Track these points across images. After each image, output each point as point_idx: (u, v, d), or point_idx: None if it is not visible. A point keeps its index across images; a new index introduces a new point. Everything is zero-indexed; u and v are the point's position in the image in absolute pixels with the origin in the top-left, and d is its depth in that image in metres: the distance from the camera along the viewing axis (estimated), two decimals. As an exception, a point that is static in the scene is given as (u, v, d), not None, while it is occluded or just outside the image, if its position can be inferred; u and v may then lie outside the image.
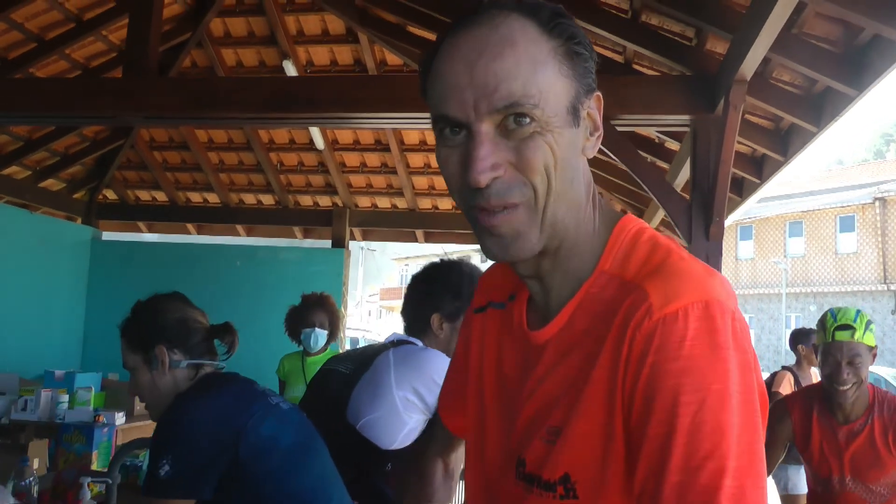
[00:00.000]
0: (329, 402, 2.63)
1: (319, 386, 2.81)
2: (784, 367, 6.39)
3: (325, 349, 5.45)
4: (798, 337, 6.40)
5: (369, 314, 56.51)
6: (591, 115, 1.10)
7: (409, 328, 2.81)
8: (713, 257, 4.48)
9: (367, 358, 2.69)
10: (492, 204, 1.01)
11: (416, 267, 55.73)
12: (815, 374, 6.09)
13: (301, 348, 5.49)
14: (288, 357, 5.57)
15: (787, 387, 5.96)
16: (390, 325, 46.56)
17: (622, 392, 0.98)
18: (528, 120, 1.00)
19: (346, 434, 2.51)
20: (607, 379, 1.00)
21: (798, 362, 6.35)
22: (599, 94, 1.11)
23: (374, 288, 58.07)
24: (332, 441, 2.47)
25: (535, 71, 1.00)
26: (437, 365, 2.58)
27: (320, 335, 5.36)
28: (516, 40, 1.01)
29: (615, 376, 0.99)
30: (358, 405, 2.56)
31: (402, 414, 2.57)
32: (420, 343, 2.73)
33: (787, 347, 6.85)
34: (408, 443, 2.56)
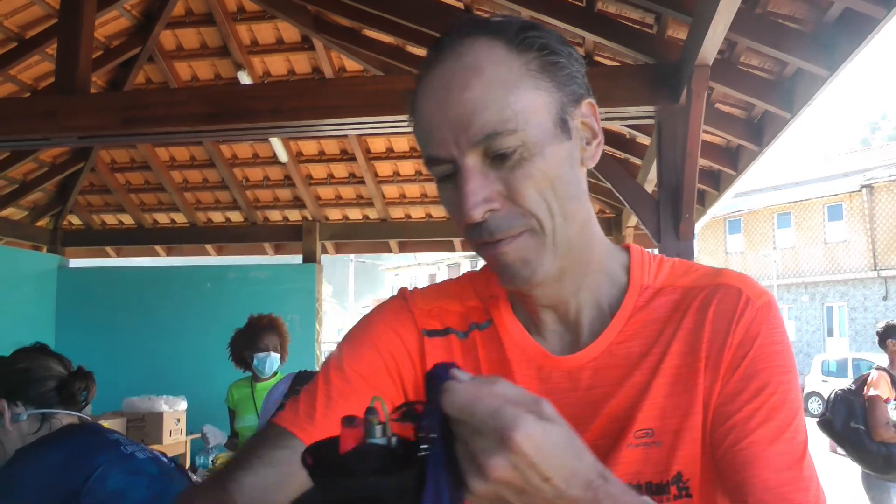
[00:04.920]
0: None
1: None
2: (877, 368, 5.73)
3: (275, 374, 5.17)
4: (890, 331, 5.72)
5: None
6: (585, 124, 1.07)
7: None
8: (685, 258, 4.21)
9: None
10: (494, 237, 1.01)
11: (406, 276, 56.10)
12: None
13: (247, 374, 5.21)
14: (236, 385, 5.28)
15: (885, 389, 5.42)
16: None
17: (721, 376, 1.05)
18: (510, 149, 0.97)
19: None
20: (709, 369, 1.06)
21: (891, 361, 5.67)
22: (591, 100, 1.08)
23: (368, 300, 58.07)
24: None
25: (507, 94, 0.97)
26: None
27: (274, 360, 5.08)
28: (482, 67, 0.98)
29: (718, 364, 1.05)
30: None
31: None
32: None
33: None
34: None
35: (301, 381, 2.79)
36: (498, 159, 0.98)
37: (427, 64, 1.04)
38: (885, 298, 27.65)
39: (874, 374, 5.57)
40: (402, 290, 1.26)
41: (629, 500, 0.79)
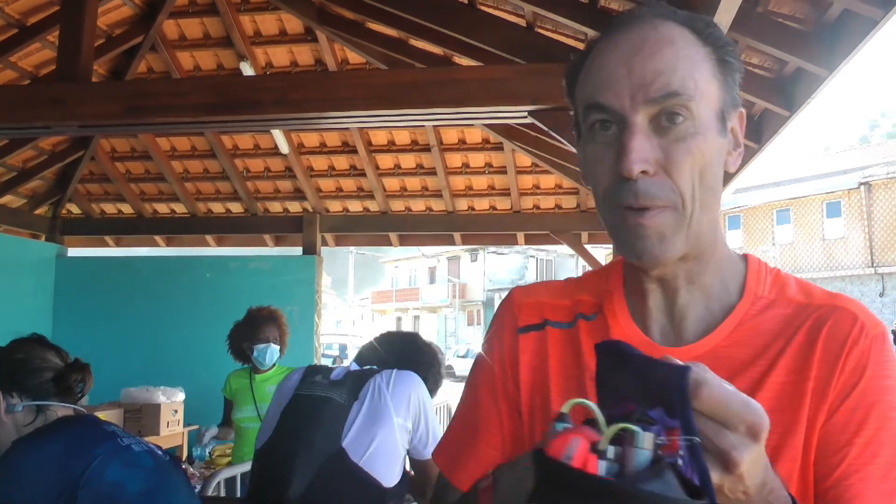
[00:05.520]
0: (329, 435, 2.54)
1: (311, 414, 2.64)
2: None
3: (274, 366, 5.18)
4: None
5: (361, 318, 56.41)
6: (734, 130, 1.10)
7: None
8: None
9: (356, 385, 2.65)
10: (640, 202, 1.01)
11: (406, 268, 55.86)
12: None
13: (245, 366, 5.21)
14: (235, 375, 5.27)
15: None
16: (383, 329, 46.37)
17: (830, 401, 1.04)
18: (681, 118, 1.00)
19: (348, 473, 2.45)
20: (817, 391, 1.04)
21: None
22: (743, 110, 1.12)
23: (368, 292, 58.07)
24: (332, 481, 2.43)
25: (693, 68, 1.02)
26: (424, 390, 2.69)
27: (274, 351, 5.08)
28: (675, 39, 1.03)
29: (826, 388, 1.04)
30: (358, 439, 2.51)
31: (399, 445, 2.58)
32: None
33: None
34: (398, 479, 2.53)
35: (312, 373, 2.79)
36: (665, 127, 1.01)
37: (614, 29, 1.08)
38: (881, 295, 27.70)
39: None
40: (513, 289, 1.31)
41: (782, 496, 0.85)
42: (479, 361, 1.30)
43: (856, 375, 1.03)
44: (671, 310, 1.14)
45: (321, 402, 2.60)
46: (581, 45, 5.11)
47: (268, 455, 2.64)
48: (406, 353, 2.95)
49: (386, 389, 2.58)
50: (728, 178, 5.81)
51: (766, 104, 4.44)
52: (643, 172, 0.99)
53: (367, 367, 2.78)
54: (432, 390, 2.83)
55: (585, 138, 1.08)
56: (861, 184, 28.35)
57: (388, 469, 2.49)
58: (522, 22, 5.12)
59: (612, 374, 0.76)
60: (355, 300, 57.82)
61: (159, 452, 2.27)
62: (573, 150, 4.55)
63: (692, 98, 1.00)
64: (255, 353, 5.02)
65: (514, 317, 1.26)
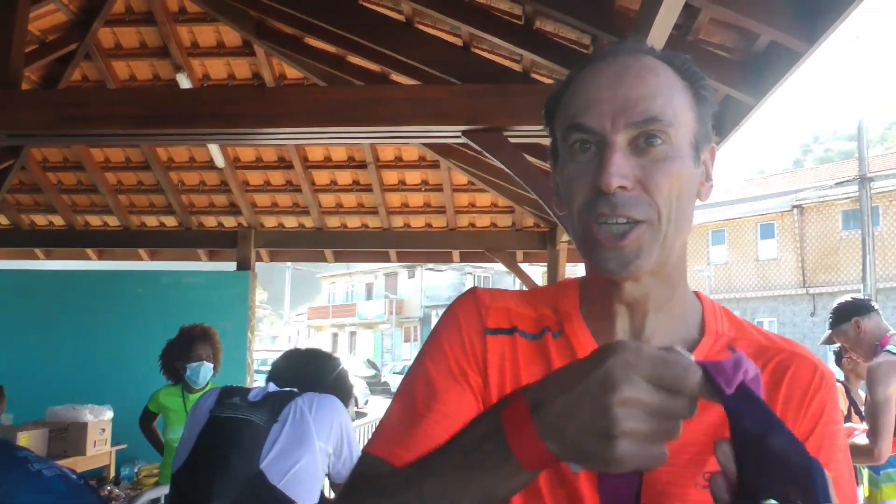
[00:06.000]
0: (247, 457, 2.49)
1: (229, 436, 2.60)
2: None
3: (208, 384, 5.10)
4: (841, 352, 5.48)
5: (298, 334, 55.94)
6: (706, 163, 1.14)
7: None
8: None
9: (275, 408, 2.62)
10: (617, 212, 1.02)
11: (343, 284, 55.46)
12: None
13: (176, 384, 5.13)
14: (165, 391, 5.18)
15: (840, 401, 5.30)
16: (319, 345, 46.02)
17: None
18: (659, 141, 1.03)
19: (267, 496, 2.41)
20: None
21: (846, 377, 5.51)
22: (714, 146, 1.17)
23: (304, 308, 57.60)
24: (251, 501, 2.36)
25: (672, 97, 1.06)
26: (346, 414, 2.66)
27: (208, 369, 5.01)
28: (656, 69, 1.08)
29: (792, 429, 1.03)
30: (278, 461, 2.47)
31: (319, 468, 2.55)
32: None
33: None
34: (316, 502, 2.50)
35: (228, 395, 2.76)
36: (643, 148, 1.03)
37: (597, 58, 1.12)
38: (812, 314, 28.23)
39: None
40: (476, 289, 1.26)
41: None
42: (433, 349, 1.21)
43: (814, 420, 1.09)
44: (639, 336, 1.14)
45: (239, 424, 2.57)
46: (517, 66, 5.16)
47: (186, 478, 2.60)
48: (310, 369, 2.94)
49: (308, 413, 2.56)
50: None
51: (696, 129, 4.51)
52: (621, 188, 1.01)
53: (287, 389, 2.76)
54: (345, 403, 2.81)
55: (564, 159, 1.09)
56: (794, 207, 28.95)
57: (307, 492, 2.47)
58: (459, 42, 5.14)
59: (748, 425, 0.77)
60: (292, 316, 57.35)
61: (73, 476, 2.22)
62: (507, 169, 4.57)
63: (671, 125, 1.04)
64: (187, 372, 4.95)
65: (482, 316, 1.20)
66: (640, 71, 1.07)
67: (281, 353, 3.17)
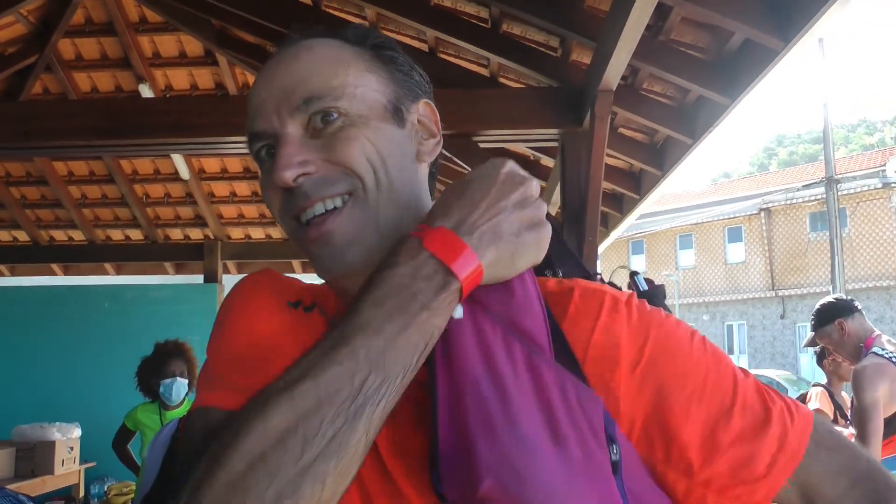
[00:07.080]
0: None
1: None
2: (815, 384, 5.63)
3: (184, 401, 5.01)
4: (825, 353, 5.41)
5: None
6: (422, 122, 1.07)
7: None
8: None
9: None
10: (312, 199, 0.95)
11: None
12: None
13: (153, 401, 5.04)
14: (143, 407, 5.11)
15: (825, 405, 5.26)
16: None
17: None
18: (334, 115, 0.96)
19: None
20: None
21: (829, 380, 5.50)
22: (429, 101, 1.10)
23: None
24: None
25: (336, 68, 0.99)
26: None
27: (182, 385, 4.93)
28: (313, 47, 1.01)
29: None
30: None
31: None
32: None
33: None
34: None
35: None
36: (320, 128, 0.96)
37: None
38: (782, 317, 28.50)
39: (813, 391, 5.51)
40: (265, 269, 1.16)
41: None
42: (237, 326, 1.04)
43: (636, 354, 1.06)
44: None
45: None
46: (484, 71, 5.12)
47: None
48: None
49: None
50: (631, 203, 5.88)
51: (669, 132, 4.48)
52: (305, 175, 0.95)
53: None
54: None
55: (261, 174, 1.03)
56: (761, 210, 29.20)
57: None
58: (425, 47, 5.09)
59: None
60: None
61: (28, 501, 2.14)
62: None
63: (339, 97, 0.97)
64: (161, 389, 4.87)
65: (278, 293, 1.08)
66: (295, 55, 1.00)
67: None
